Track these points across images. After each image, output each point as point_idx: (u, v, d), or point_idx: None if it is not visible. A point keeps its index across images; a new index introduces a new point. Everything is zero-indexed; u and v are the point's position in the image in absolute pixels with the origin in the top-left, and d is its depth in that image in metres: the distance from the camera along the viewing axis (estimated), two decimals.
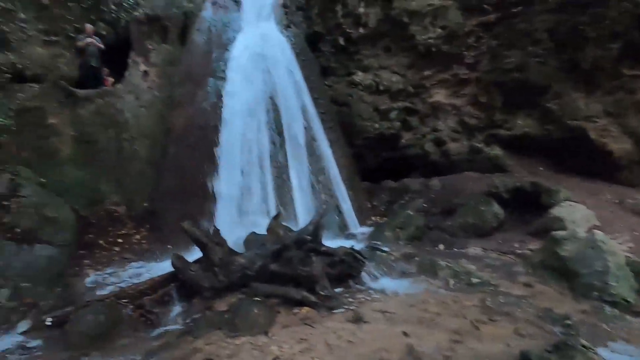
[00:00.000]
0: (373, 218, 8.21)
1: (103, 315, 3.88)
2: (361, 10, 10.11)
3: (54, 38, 7.95)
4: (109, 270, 5.82)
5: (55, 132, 7.14)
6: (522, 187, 6.98)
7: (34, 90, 6.97)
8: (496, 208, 6.69)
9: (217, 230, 4.76)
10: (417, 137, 9.97)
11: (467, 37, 8.79)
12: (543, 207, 6.45)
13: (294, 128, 8.02)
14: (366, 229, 7.46)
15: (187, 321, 4.16)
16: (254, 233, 5.69)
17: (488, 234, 6.53)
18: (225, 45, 9.21)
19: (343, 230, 7.34)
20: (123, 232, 7.11)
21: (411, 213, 6.93)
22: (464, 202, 7.08)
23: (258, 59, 8.90)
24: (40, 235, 5.20)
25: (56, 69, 7.73)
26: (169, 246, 6.98)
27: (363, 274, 4.86)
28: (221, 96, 8.09)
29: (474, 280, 4.71)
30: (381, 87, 10.30)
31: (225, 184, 7.30)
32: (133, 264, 6.12)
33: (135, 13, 8.85)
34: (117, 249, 6.62)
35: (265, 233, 5.51)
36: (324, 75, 10.31)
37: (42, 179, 6.45)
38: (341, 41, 10.63)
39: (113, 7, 9.04)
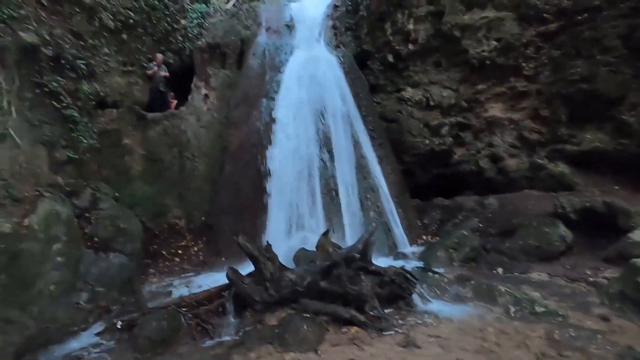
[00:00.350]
0: (424, 237, 7.94)
1: (165, 322, 4.17)
2: (410, 27, 10.10)
3: (130, 68, 8.95)
4: (170, 279, 6.27)
5: (128, 151, 7.96)
6: (593, 208, 6.34)
7: (112, 114, 7.87)
8: (563, 230, 6.14)
9: (269, 245, 4.93)
10: (471, 153, 9.55)
11: (525, 48, 8.37)
12: (619, 231, 5.79)
13: (343, 145, 8.13)
14: (417, 249, 7.23)
15: (240, 333, 4.31)
16: (303, 249, 5.80)
17: (553, 258, 5.99)
18: (277, 68, 9.71)
19: (392, 249, 7.19)
20: (183, 244, 7.63)
21: (466, 233, 6.60)
22: (525, 222, 6.59)
23: (308, 79, 9.25)
24: (114, 245, 5.76)
25: (131, 95, 8.66)
26: (223, 258, 7.35)
27: (414, 295, 4.70)
28: (274, 116, 8.50)
29: (539, 309, 4.33)
30: (432, 103, 10.10)
31: (276, 200, 7.57)
32: (191, 274, 6.52)
33: (199, 42, 9.69)
34: (177, 259, 7.10)
35: (315, 250, 5.59)
36: (373, 92, 10.39)
37: (116, 194, 7.18)
38: (390, 58, 10.67)
39: (179, 38, 9.97)
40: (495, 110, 9.14)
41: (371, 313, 4.17)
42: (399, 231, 7.52)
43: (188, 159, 8.60)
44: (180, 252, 7.35)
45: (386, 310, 4.46)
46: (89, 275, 5.13)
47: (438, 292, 4.93)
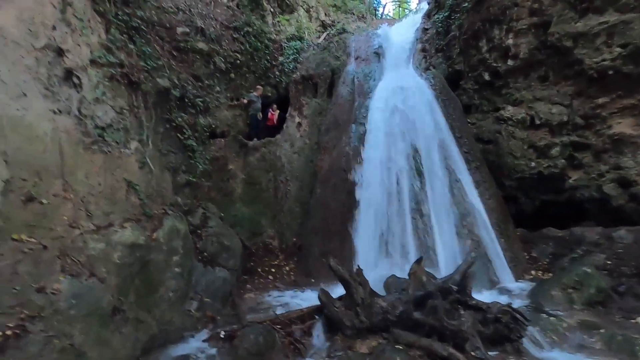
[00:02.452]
0: (532, 272, 6.98)
1: (262, 337, 4.40)
2: (510, 42, 9.43)
3: (235, 102, 10.14)
4: (265, 296, 6.64)
5: (232, 175, 8.90)
6: None
7: (221, 143, 8.95)
8: None
9: (360, 270, 4.90)
10: (592, 177, 8.21)
11: None
12: None
13: (435, 168, 7.80)
14: (524, 285, 6.38)
15: (330, 356, 4.30)
16: (394, 276, 5.61)
17: None
18: (366, 94, 9.94)
19: (494, 283, 6.47)
20: (276, 262, 8.07)
21: (589, 271, 5.60)
22: None
23: (397, 103, 9.23)
24: (219, 260, 6.39)
25: (236, 125, 9.77)
26: (312, 279, 7.54)
27: (524, 339, 4.11)
28: (362, 140, 8.64)
29: None
30: (537, 121, 9.09)
31: (365, 224, 7.55)
32: (285, 292, 6.82)
33: (294, 75, 10.53)
34: (270, 277, 7.52)
35: (406, 277, 5.35)
36: (466, 113, 9.84)
37: (221, 214, 8.03)
38: (486, 76, 10.05)
39: (277, 73, 11.01)
40: (623, 126, 7.78)
41: (472, 353, 3.77)
42: (501, 263, 6.76)
43: (282, 182, 9.21)
44: (273, 270, 7.77)
45: (490, 353, 3.98)
46: (198, 286, 5.75)
47: (555, 338, 4.23)
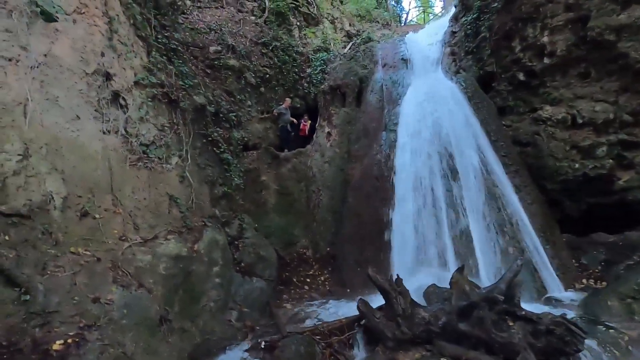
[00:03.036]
0: (584, 281, 6.54)
1: (302, 347, 4.40)
2: (545, 39, 9.08)
3: (265, 115, 10.38)
4: (301, 306, 6.65)
5: (265, 187, 9.07)
6: None
7: (253, 155, 9.16)
8: None
9: (399, 280, 4.81)
10: None
11: None
12: None
13: (471, 173, 7.56)
14: (574, 294, 5.99)
15: None
16: (434, 285, 5.45)
17: None
18: (395, 101, 9.87)
19: (541, 292, 6.12)
20: (310, 272, 8.08)
21: None
22: None
23: (428, 108, 9.09)
24: (256, 270, 6.49)
25: (267, 138, 9.98)
26: (348, 289, 7.47)
27: (582, 353, 3.84)
28: (394, 147, 8.56)
29: None
30: (579, 120, 8.62)
31: (399, 232, 7.42)
32: (321, 302, 6.79)
33: (322, 86, 10.67)
34: (306, 287, 7.53)
35: (447, 286, 5.18)
36: (501, 115, 9.51)
37: (256, 225, 8.18)
38: (520, 76, 9.70)
39: (305, 84, 11.19)
40: None
41: None
42: (548, 272, 6.39)
43: (313, 192, 9.27)
44: (308, 280, 7.78)
45: None
46: (237, 296, 5.86)
47: (617, 352, 3.93)
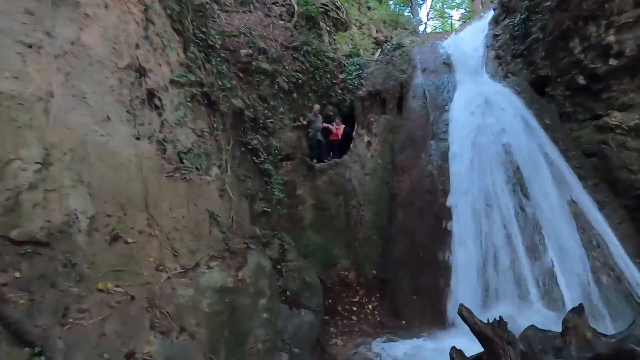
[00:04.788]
0: None
1: None
2: (611, 38, 8.16)
3: (298, 123, 9.57)
4: (354, 343, 5.64)
5: (301, 201, 8.17)
6: None
7: (288, 167, 8.31)
8: None
9: (503, 323, 3.80)
10: None
11: None
12: None
13: (544, 187, 6.57)
14: None
15: None
16: (534, 327, 4.39)
17: None
18: (441, 107, 8.98)
19: None
20: (356, 299, 7.07)
21: None
22: None
23: (481, 115, 8.18)
24: (302, 300, 5.53)
25: (300, 147, 9.15)
26: (403, 321, 6.45)
27: None
28: (446, 158, 7.63)
29: None
30: None
31: (461, 254, 6.42)
32: (375, 338, 5.77)
33: (359, 92, 9.86)
34: (354, 318, 6.53)
35: (548, 328, 4.15)
36: None
37: (293, 243, 7.25)
38: (580, 80, 8.75)
39: (339, 91, 10.40)
40: None
41: None
42: None
43: (354, 207, 8.34)
44: (355, 308, 6.79)
45: None
46: (285, 333, 4.91)
47: None
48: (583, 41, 8.77)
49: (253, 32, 9.74)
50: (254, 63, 8.58)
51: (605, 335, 3.79)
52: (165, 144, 4.28)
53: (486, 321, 3.80)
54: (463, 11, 26.92)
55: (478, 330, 3.60)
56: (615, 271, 5.62)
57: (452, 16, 27.91)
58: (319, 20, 11.99)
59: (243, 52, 8.83)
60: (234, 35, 9.37)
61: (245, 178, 5.73)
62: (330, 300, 6.91)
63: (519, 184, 6.65)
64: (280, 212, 7.36)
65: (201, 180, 4.58)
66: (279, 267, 5.67)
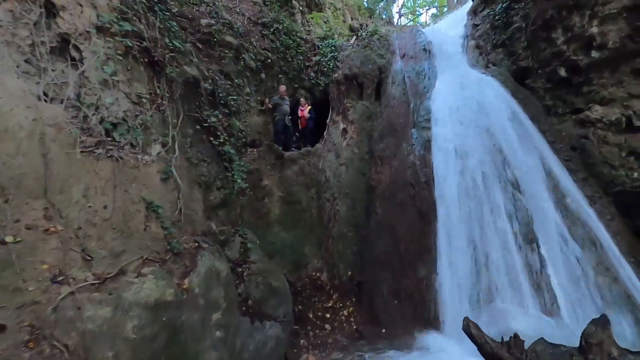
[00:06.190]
0: None
1: None
2: (594, 30, 7.88)
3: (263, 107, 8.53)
4: (328, 358, 4.79)
5: (268, 193, 7.18)
6: None
7: (253, 154, 7.28)
8: None
9: (520, 341, 3.08)
10: None
11: None
12: None
13: (533, 180, 6.07)
14: None
15: None
16: (544, 341, 3.74)
17: None
18: (422, 94, 8.34)
19: None
20: (329, 304, 6.22)
21: None
22: None
23: (465, 104, 7.61)
24: (266, 309, 4.59)
25: (268, 133, 8.13)
26: (382, 329, 5.68)
27: None
28: (429, 148, 6.96)
29: None
30: (637, 122, 7.42)
31: (448, 254, 5.77)
32: (353, 351, 4.95)
33: (335, 75, 8.99)
34: (327, 326, 5.67)
35: (562, 343, 3.52)
36: None
37: (257, 241, 6.26)
38: (562, 72, 8.45)
39: (312, 74, 9.47)
40: None
41: None
42: None
43: (328, 200, 7.48)
44: (328, 315, 5.94)
45: None
46: (245, 353, 3.94)
47: None
48: (566, 32, 8.44)
49: (217, 3, 8.58)
50: (216, 35, 7.46)
51: (632, 353, 3.18)
52: (83, 108, 3.16)
53: (496, 338, 3.07)
54: (434, 10, 26.84)
55: (490, 352, 2.84)
56: (608, 270, 5.18)
57: (422, 13, 27.83)
58: None
59: (204, 21, 7.66)
60: (194, 4, 8.18)
61: (198, 162, 4.66)
62: (300, 307, 6.01)
63: (507, 176, 6.11)
64: (242, 205, 6.34)
65: (137, 161, 3.49)
66: (239, 270, 4.67)
